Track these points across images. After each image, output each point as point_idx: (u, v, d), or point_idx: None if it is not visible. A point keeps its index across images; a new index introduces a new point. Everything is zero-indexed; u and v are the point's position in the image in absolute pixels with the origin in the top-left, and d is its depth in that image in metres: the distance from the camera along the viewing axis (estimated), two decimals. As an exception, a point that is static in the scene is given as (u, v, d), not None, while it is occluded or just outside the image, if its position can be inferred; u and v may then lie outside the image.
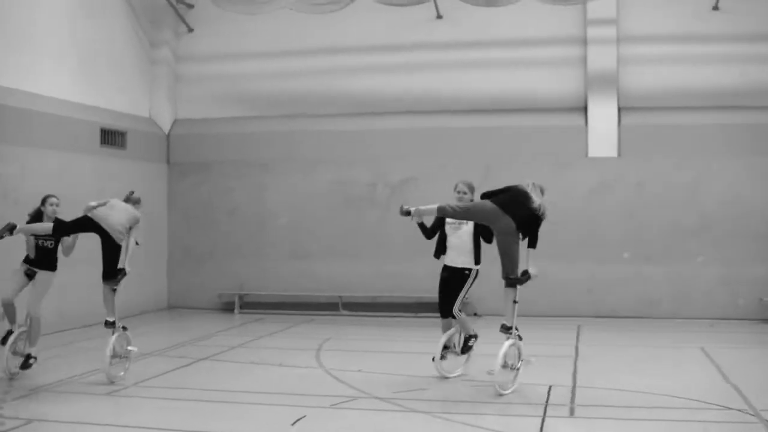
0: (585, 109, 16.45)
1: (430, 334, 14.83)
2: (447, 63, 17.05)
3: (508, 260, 9.45)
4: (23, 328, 10.10)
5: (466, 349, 10.27)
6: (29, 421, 8.10)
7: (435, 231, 10.29)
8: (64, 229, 9.75)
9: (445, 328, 10.25)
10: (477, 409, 8.78)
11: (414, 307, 16.77)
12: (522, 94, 16.76)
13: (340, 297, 17.00)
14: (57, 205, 10.16)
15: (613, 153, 16.18)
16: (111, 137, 15.93)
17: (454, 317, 10.13)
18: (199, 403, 9.04)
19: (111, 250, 9.84)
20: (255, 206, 17.58)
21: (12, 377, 9.94)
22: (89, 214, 9.71)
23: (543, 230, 16.08)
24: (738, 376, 10.31)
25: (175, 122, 18.06)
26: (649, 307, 15.94)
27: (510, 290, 9.52)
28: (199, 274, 17.68)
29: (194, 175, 17.76)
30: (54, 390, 9.56)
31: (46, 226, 9.71)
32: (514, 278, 9.39)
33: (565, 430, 7.90)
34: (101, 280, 9.99)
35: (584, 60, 16.45)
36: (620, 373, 10.68)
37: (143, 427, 7.99)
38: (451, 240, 10.19)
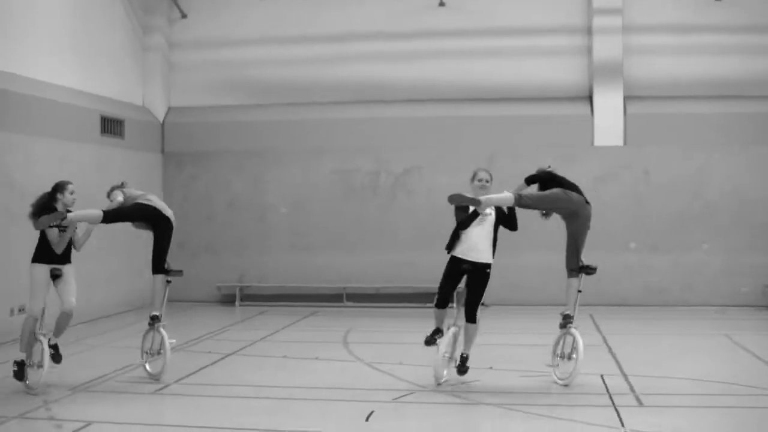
0: (590, 98, 16.43)
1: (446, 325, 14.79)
2: (450, 51, 16.89)
3: (580, 249, 9.35)
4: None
5: (463, 369, 9.34)
6: (89, 423, 7.72)
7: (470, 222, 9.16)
8: (115, 216, 9.19)
9: (441, 321, 9.46)
10: (541, 400, 8.67)
11: (419, 298, 16.59)
12: (527, 84, 16.68)
13: (344, 288, 16.74)
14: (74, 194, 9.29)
15: (619, 142, 16.21)
16: (110, 126, 15.41)
17: (471, 320, 9.47)
18: (256, 400, 8.76)
19: (165, 239, 9.48)
20: (255, 197, 17.21)
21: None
22: (147, 202, 9.36)
23: (551, 219, 16.19)
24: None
25: (169, 110, 17.56)
26: (655, 296, 16.03)
27: (576, 280, 9.38)
28: (196, 266, 17.16)
29: (190, 165, 17.30)
30: (96, 389, 9.18)
31: (95, 214, 8.99)
32: (589, 267, 9.26)
33: (644, 420, 7.78)
34: (154, 272, 9.59)
35: (589, 49, 16.43)
36: (664, 361, 10.71)
37: (211, 427, 7.68)
38: (476, 232, 9.05)
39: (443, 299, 9.46)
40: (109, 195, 9.59)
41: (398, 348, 11.95)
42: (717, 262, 15.85)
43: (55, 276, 9.06)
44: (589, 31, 16.40)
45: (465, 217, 8.96)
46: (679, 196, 15.98)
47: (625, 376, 9.72)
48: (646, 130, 16.09)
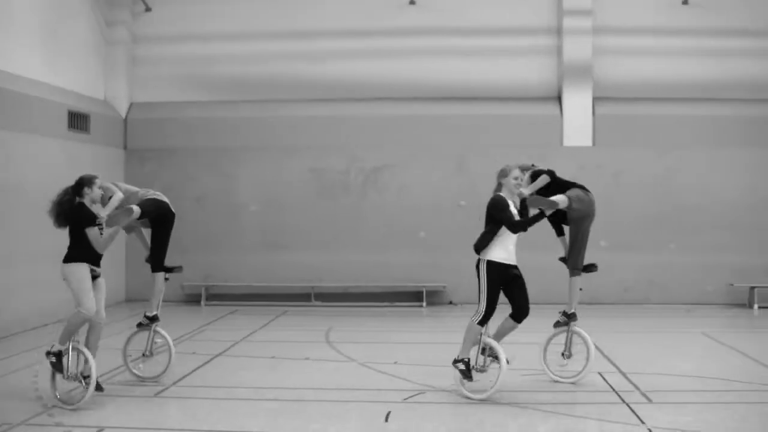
0: (560, 98, 16.57)
1: (425, 324, 14.79)
2: (420, 50, 16.86)
3: (584, 249, 9.39)
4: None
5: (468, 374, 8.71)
6: (101, 429, 7.45)
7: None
8: (147, 213, 8.84)
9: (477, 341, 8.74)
10: (552, 398, 8.69)
11: (389, 297, 16.55)
12: (497, 83, 16.75)
13: (312, 288, 16.56)
14: None
15: (588, 143, 16.40)
16: (77, 121, 14.94)
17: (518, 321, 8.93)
18: (264, 402, 8.55)
19: (167, 235, 9.23)
20: (222, 195, 16.90)
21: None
22: (158, 197, 9.10)
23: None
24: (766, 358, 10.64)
25: (131, 106, 17.12)
26: (624, 294, 16.26)
27: (580, 279, 9.43)
28: (159, 265, 16.80)
29: (155, 161, 16.89)
30: (96, 393, 8.82)
31: (136, 210, 8.59)
32: (592, 266, 9.33)
33: (659, 417, 7.83)
34: (155, 270, 9.33)
35: (559, 50, 16.57)
36: (654, 358, 10.83)
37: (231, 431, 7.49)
38: (513, 235, 8.64)
39: (492, 313, 8.64)
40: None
41: (386, 347, 11.88)
42: (684, 261, 16.15)
43: (94, 278, 8.39)
44: (559, 32, 16.55)
45: (531, 219, 8.61)
46: (647, 196, 16.24)
47: (623, 373, 9.81)
48: (615, 130, 16.32)
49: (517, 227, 8.50)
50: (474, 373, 8.64)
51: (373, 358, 10.77)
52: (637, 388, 9.05)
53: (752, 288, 15.73)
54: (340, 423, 7.69)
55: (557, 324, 9.70)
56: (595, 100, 16.43)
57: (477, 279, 8.60)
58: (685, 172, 16.15)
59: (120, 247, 16.72)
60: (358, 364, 10.53)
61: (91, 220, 8.25)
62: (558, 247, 9.96)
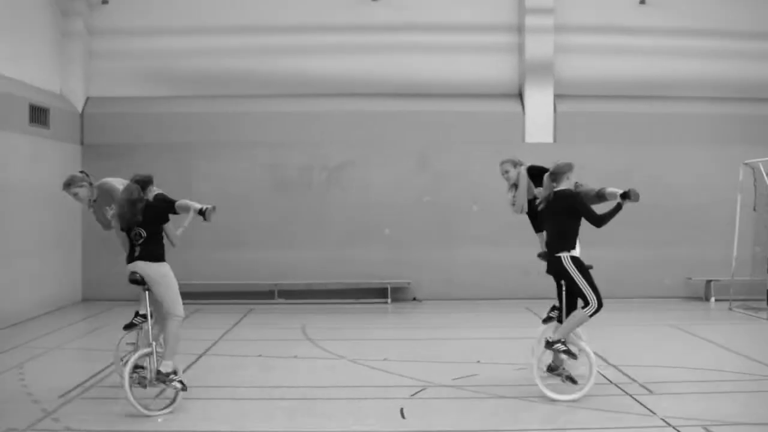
0: (521, 95, 16.78)
1: (396, 321, 14.86)
2: (382, 46, 16.86)
3: None
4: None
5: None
6: None
7: None
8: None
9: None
10: (555, 390, 8.75)
11: (353, 293, 16.53)
12: (460, 80, 16.86)
13: (275, 285, 16.41)
14: None
15: (549, 139, 16.63)
16: (38, 115, 14.48)
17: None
18: (274, 401, 8.47)
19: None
20: (182, 191, 16.36)
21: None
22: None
23: (483, 214, 16.50)
24: (738, 348, 11.02)
25: (88, 100, 16.67)
26: (585, 288, 16.51)
27: None
28: (118, 264, 16.32)
29: (112, 157, 16.39)
30: (90, 396, 8.63)
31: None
32: None
33: (671, 407, 7.98)
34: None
35: (520, 47, 16.78)
36: (640, 351, 11.07)
37: None
38: None
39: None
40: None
41: (369, 344, 11.91)
42: (641, 256, 16.52)
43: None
44: (520, 30, 16.74)
45: (613, 212, 8.69)
46: (606, 192, 16.53)
47: (614, 366, 9.96)
48: (576, 127, 16.59)
49: (603, 222, 8.63)
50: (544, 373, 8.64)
51: (361, 355, 10.75)
52: (634, 380, 9.20)
53: (708, 281, 16.20)
54: (358, 420, 7.66)
55: (545, 320, 9.70)
56: (556, 97, 16.68)
57: (564, 278, 8.60)
58: (644, 168, 16.50)
59: (76, 245, 16.31)
60: (348, 361, 10.48)
61: (168, 217, 8.13)
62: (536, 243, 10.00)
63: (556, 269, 8.56)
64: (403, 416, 7.75)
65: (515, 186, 9.64)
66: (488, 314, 15.15)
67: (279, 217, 16.63)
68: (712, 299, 16.08)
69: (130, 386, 7.74)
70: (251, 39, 16.75)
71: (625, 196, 8.67)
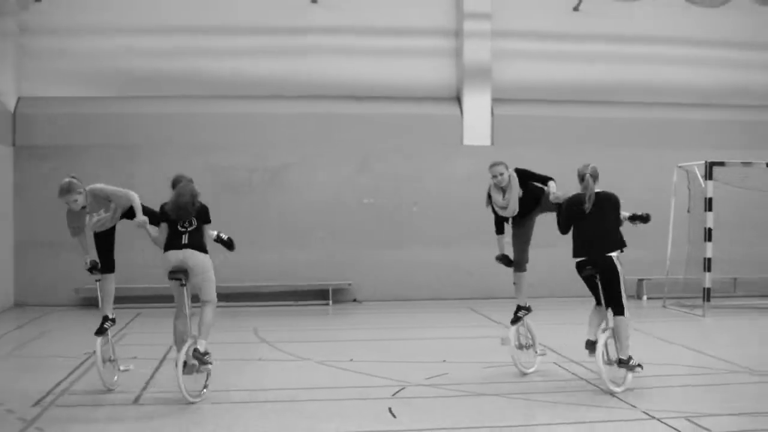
0: (459, 99, 17.06)
1: (339, 322, 14.87)
2: (323, 48, 16.90)
3: None
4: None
5: None
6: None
7: None
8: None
9: None
10: (528, 388, 8.98)
11: (293, 296, 16.50)
12: (399, 83, 17.05)
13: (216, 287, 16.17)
14: None
15: (487, 142, 16.96)
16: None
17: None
18: (263, 404, 8.42)
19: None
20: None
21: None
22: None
23: (424, 215, 16.67)
24: (687, 344, 11.55)
25: (20, 100, 16.14)
26: (528, 288, 16.84)
27: (526, 274, 10.19)
28: (52, 268, 15.98)
29: (47, 159, 15.97)
30: (69, 404, 8.44)
31: None
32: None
33: (651, 402, 8.27)
34: (109, 271, 9.24)
35: (458, 51, 17.06)
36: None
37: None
38: None
39: None
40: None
41: (330, 345, 11.95)
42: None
43: None
44: (459, 35, 17.02)
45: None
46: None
47: (578, 363, 10.20)
48: (512, 131, 16.95)
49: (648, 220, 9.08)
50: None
51: (326, 357, 10.76)
52: (600, 376, 9.47)
53: (640, 280, 16.80)
54: (351, 420, 7.68)
55: (517, 320, 9.97)
56: (494, 101, 17.02)
57: (609, 277, 8.74)
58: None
59: (7, 248, 15.76)
60: (316, 363, 10.48)
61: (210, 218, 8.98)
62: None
63: (603, 267, 8.70)
64: (393, 415, 7.82)
65: (504, 189, 9.77)
66: (434, 315, 15.34)
67: (218, 219, 16.23)
68: (644, 297, 16.68)
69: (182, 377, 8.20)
70: (191, 40, 16.55)
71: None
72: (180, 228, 8.64)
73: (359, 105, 16.87)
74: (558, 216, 9.30)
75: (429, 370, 9.80)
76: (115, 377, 9.09)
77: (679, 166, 15.31)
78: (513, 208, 9.67)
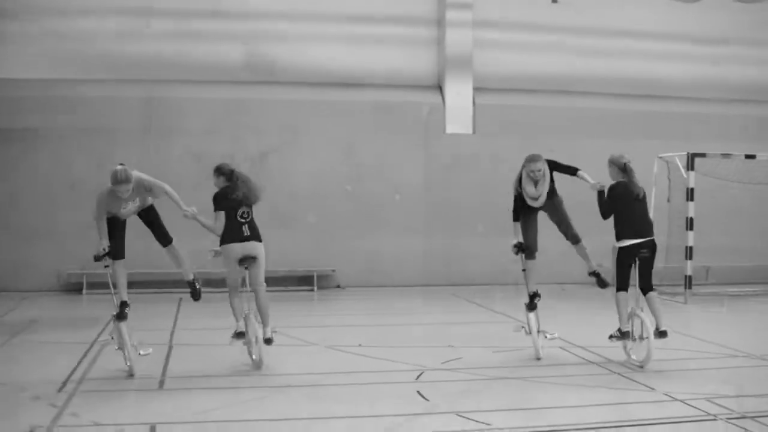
0: (441, 87, 17.20)
1: (331, 307, 15.00)
2: (306, 35, 16.90)
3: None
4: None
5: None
6: (153, 425, 7.05)
7: None
8: None
9: None
10: (546, 371, 9.17)
11: (277, 281, 16.39)
12: (383, 71, 17.18)
13: (200, 274, 16.08)
14: None
15: (469, 130, 17.15)
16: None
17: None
18: (289, 389, 8.46)
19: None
20: (99, 179, 15.81)
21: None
22: None
23: (406, 203, 16.73)
24: (683, 330, 11.81)
25: (-15, 82, 15.80)
26: (501, 275, 17.13)
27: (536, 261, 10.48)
28: (28, 254, 15.71)
29: (21, 142, 15.66)
30: (94, 389, 8.41)
31: None
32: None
33: (666, 384, 8.48)
34: (119, 257, 9.76)
35: (440, 41, 17.22)
36: (595, 333, 11.44)
37: (287, 419, 7.40)
38: None
39: None
40: None
41: (332, 330, 12.08)
42: (555, 245, 17.24)
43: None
44: (441, 24, 17.15)
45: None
46: (522, 182, 17.24)
47: (583, 347, 10.46)
48: (493, 119, 17.18)
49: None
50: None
51: (334, 341, 10.87)
52: (610, 360, 9.71)
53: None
54: (384, 404, 7.73)
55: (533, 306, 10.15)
56: (475, 90, 17.21)
57: (651, 258, 9.46)
58: (559, 160, 17.22)
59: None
60: (325, 347, 10.56)
61: None
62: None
63: (653, 249, 9.41)
64: (425, 398, 7.92)
65: (537, 181, 10.04)
66: (419, 301, 15.52)
67: (199, 205, 16.21)
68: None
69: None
70: (171, 22, 16.46)
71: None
72: (240, 219, 9.24)
73: (342, 92, 16.89)
74: (600, 202, 9.94)
75: (441, 355, 9.92)
76: (128, 363, 9.01)
77: (660, 157, 15.69)
78: (543, 199, 9.92)
